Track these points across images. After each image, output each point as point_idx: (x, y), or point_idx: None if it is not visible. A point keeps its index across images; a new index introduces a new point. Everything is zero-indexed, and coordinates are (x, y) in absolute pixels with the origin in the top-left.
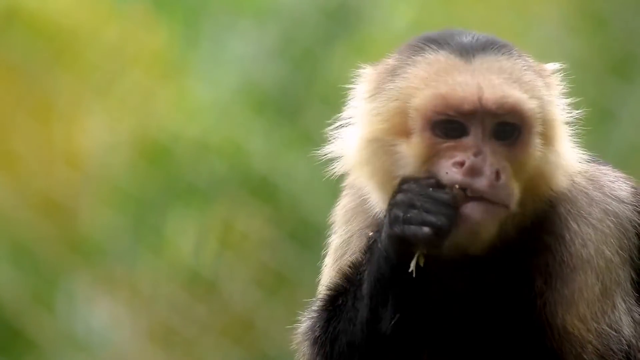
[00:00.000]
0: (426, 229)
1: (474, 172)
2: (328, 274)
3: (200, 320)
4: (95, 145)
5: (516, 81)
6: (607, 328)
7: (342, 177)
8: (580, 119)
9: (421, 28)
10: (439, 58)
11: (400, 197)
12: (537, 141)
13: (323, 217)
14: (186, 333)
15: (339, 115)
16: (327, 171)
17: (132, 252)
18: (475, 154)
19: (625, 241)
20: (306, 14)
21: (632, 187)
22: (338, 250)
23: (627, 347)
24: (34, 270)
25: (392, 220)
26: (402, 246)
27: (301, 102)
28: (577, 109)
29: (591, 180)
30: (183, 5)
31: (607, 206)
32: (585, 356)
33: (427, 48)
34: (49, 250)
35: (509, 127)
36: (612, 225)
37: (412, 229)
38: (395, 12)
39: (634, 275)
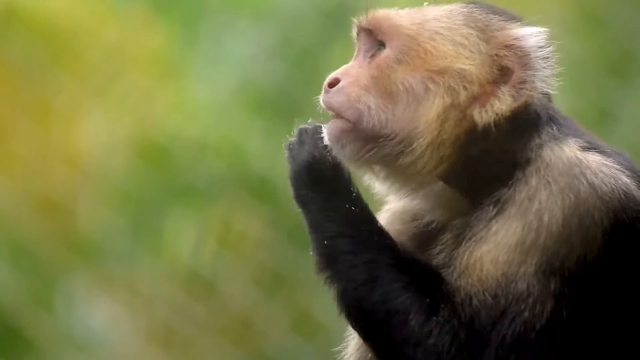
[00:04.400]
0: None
1: (326, 87)
2: None
3: (199, 320)
4: (94, 146)
5: (413, 12)
6: (498, 275)
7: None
8: (579, 119)
9: None
10: None
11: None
12: (400, 61)
13: None
14: (185, 333)
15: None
16: None
17: (131, 252)
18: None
19: (577, 222)
20: (305, 14)
21: (623, 190)
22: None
23: (511, 300)
24: (32, 271)
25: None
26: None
27: (300, 102)
28: (576, 109)
29: (584, 159)
30: (182, 5)
31: (576, 184)
32: (468, 289)
33: None
34: (47, 251)
35: (379, 44)
36: (567, 202)
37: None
38: None
39: (571, 258)
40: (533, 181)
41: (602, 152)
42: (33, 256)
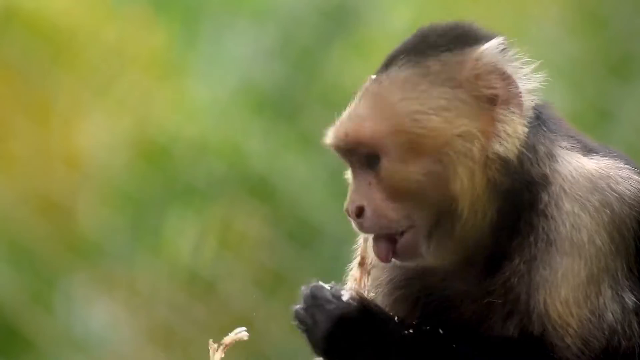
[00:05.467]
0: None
1: (348, 214)
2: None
3: (199, 320)
4: (94, 146)
5: (375, 105)
6: (588, 314)
7: (341, 176)
8: (579, 119)
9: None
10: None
11: None
12: (404, 160)
13: (322, 217)
14: (185, 333)
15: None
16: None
17: (131, 252)
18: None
19: (618, 236)
20: (305, 14)
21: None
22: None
23: (608, 333)
24: (32, 271)
25: None
26: None
27: (300, 102)
28: (576, 109)
29: (601, 169)
30: (182, 5)
31: (608, 198)
32: (566, 340)
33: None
34: (47, 250)
35: (371, 156)
36: (606, 219)
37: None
38: (394, 12)
39: (626, 269)
40: (567, 205)
41: (603, 154)
42: (33, 256)
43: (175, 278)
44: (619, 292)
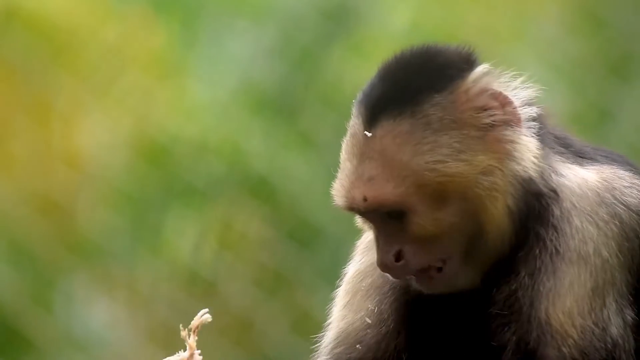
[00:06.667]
0: None
1: (383, 269)
2: (339, 312)
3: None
4: (94, 146)
5: (386, 164)
6: (592, 325)
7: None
8: (579, 119)
9: (420, 28)
10: (349, 132)
11: None
12: (433, 210)
13: (322, 217)
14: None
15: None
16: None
17: (131, 252)
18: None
19: (627, 246)
20: (305, 14)
21: None
22: (350, 282)
23: (611, 346)
24: (32, 270)
25: None
26: None
27: (300, 102)
28: (576, 109)
29: (605, 181)
30: (182, 5)
31: (615, 210)
32: (563, 349)
33: (353, 112)
34: (47, 250)
35: (395, 212)
36: (615, 230)
37: None
38: (394, 12)
39: (631, 280)
40: (577, 220)
41: (597, 159)
42: (33, 256)
43: (175, 278)
44: (622, 306)
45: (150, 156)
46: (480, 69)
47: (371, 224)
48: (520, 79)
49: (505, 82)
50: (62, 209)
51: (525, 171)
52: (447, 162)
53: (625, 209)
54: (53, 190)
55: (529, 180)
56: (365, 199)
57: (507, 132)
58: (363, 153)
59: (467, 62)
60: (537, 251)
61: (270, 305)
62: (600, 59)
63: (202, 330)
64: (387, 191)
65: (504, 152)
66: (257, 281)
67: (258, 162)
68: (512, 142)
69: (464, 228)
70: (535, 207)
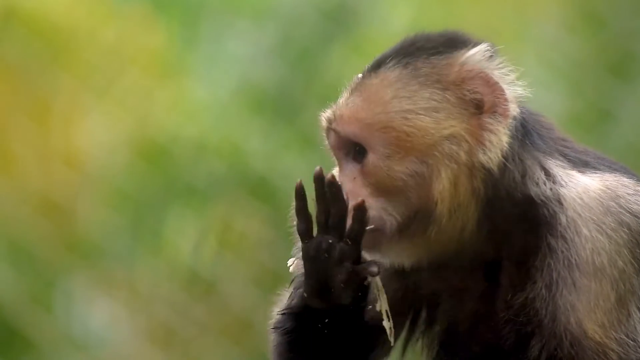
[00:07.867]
0: None
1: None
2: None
3: (199, 320)
4: (94, 146)
5: (367, 99)
6: (624, 337)
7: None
8: (579, 119)
9: (420, 28)
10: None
11: None
12: (390, 157)
13: None
14: (185, 333)
15: None
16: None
17: (131, 252)
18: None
19: (638, 252)
20: (304, 14)
21: None
22: None
23: None
24: (31, 271)
25: None
26: None
27: (300, 102)
28: (576, 109)
29: (608, 189)
30: (182, 5)
31: (622, 218)
32: None
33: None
34: (47, 251)
35: (358, 149)
36: (625, 237)
37: None
38: (394, 11)
39: None
40: (584, 229)
41: (597, 166)
42: (33, 256)
43: (175, 278)
44: None
45: (150, 156)
46: (482, 50)
47: (337, 162)
48: (515, 75)
49: (504, 73)
50: (62, 209)
51: (489, 164)
52: (420, 114)
53: (631, 216)
54: (53, 190)
55: (495, 176)
56: (342, 117)
57: (488, 120)
58: (355, 88)
59: (476, 43)
60: (552, 262)
61: (270, 305)
62: (600, 59)
63: (202, 330)
64: (360, 119)
65: (479, 137)
66: (256, 281)
67: (258, 162)
68: (489, 131)
69: (415, 194)
70: (541, 215)
